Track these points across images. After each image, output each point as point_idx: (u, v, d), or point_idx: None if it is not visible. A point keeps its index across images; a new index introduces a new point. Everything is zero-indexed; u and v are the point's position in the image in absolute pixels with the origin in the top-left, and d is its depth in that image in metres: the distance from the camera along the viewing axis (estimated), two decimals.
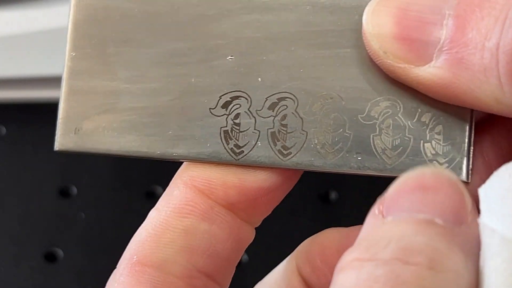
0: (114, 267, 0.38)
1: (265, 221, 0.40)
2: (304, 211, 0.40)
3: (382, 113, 0.23)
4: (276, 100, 0.23)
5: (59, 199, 0.41)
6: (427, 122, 0.22)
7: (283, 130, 0.23)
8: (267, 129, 0.23)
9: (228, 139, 0.23)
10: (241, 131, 0.23)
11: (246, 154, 0.23)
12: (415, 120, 0.22)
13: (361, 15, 0.22)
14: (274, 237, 0.39)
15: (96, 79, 0.24)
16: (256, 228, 0.40)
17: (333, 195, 0.41)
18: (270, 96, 0.23)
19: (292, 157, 0.23)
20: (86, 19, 0.24)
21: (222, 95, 0.23)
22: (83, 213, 0.41)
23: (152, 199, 0.41)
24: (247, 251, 0.39)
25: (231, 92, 0.23)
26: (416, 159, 0.22)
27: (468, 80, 0.20)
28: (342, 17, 0.23)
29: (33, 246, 0.39)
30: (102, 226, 0.40)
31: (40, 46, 0.46)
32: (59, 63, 0.46)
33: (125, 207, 0.41)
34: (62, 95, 0.24)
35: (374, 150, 0.23)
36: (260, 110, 0.23)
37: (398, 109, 0.22)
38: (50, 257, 0.39)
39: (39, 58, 0.46)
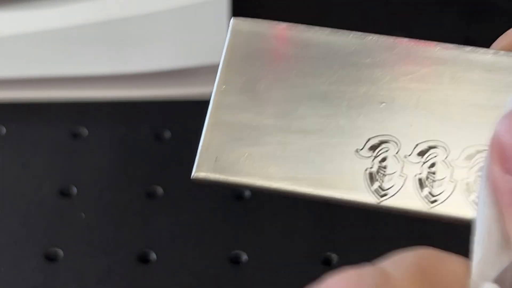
0: (115, 267, 0.38)
1: (265, 221, 0.40)
2: (304, 211, 0.41)
3: None
4: (427, 147, 0.23)
5: (59, 199, 0.42)
6: None
7: (431, 177, 0.22)
8: (415, 174, 0.23)
9: (373, 181, 0.23)
10: (387, 174, 0.23)
11: (390, 197, 0.23)
12: None
13: None
14: (274, 237, 0.40)
15: (243, 113, 0.24)
16: (256, 228, 0.40)
17: None
18: (420, 143, 0.23)
19: (437, 205, 0.22)
20: (239, 56, 0.24)
21: (371, 138, 0.23)
22: (83, 213, 0.41)
23: (152, 199, 0.42)
24: (247, 251, 0.39)
25: (380, 135, 0.23)
26: None
27: None
28: (497, 76, 0.23)
29: (33, 246, 0.39)
30: (102, 226, 0.40)
31: (40, 46, 0.46)
32: (59, 63, 0.47)
33: (125, 207, 0.41)
34: (205, 125, 0.24)
35: None
36: (408, 155, 0.23)
37: None
38: (50, 257, 0.39)
39: (39, 58, 0.46)
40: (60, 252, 0.39)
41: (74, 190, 0.42)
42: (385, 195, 0.23)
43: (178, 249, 0.39)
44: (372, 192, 0.23)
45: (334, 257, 0.38)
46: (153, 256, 0.39)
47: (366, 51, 0.24)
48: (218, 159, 0.24)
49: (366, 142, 0.23)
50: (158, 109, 0.46)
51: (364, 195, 0.23)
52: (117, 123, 0.45)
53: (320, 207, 0.41)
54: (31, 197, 0.42)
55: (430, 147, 0.23)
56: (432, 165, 0.23)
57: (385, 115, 0.23)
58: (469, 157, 0.22)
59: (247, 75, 0.24)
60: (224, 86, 0.24)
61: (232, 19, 0.25)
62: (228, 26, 0.43)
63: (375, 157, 0.23)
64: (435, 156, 0.23)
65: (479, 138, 0.22)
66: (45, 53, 0.46)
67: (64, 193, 0.42)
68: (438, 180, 0.22)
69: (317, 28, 0.24)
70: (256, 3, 0.54)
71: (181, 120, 0.45)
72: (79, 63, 0.46)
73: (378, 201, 0.23)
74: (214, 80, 0.50)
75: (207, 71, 0.46)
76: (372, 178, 0.23)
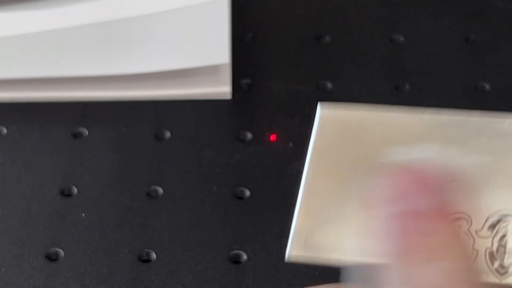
0: (115, 267, 0.38)
1: (264, 221, 0.40)
2: None
3: None
4: (496, 221, 0.23)
5: (60, 199, 0.42)
6: None
7: (501, 249, 0.23)
8: (486, 248, 0.23)
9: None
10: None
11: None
12: None
13: None
14: (274, 237, 0.40)
15: (328, 196, 0.25)
16: (256, 228, 0.40)
17: None
18: (490, 216, 0.23)
19: (509, 276, 0.23)
20: (327, 144, 0.26)
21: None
22: (84, 213, 0.41)
23: (152, 199, 0.42)
24: (247, 251, 0.39)
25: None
26: None
27: None
28: None
29: (34, 246, 0.39)
30: (102, 226, 0.40)
31: (40, 46, 0.46)
32: (59, 63, 0.47)
33: (125, 207, 0.41)
34: (298, 209, 0.26)
35: None
36: (480, 231, 0.23)
37: None
38: (51, 257, 0.39)
39: (40, 58, 0.46)
40: (61, 252, 0.39)
41: (75, 190, 0.42)
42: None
43: (178, 249, 0.39)
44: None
45: None
46: (153, 256, 0.39)
47: (440, 128, 0.24)
48: (308, 241, 0.25)
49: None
50: (158, 109, 0.46)
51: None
52: (117, 123, 0.45)
53: None
54: (31, 197, 0.42)
55: (501, 217, 0.23)
56: (503, 237, 0.23)
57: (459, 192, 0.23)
58: None
59: (334, 160, 0.26)
60: (312, 172, 0.26)
61: (319, 106, 0.26)
62: (227, 26, 0.43)
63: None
64: (505, 227, 0.23)
65: None
66: (45, 54, 0.46)
67: (65, 193, 0.42)
68: (509, 252, 0.23)
69: (394, 109, 0.25)
70: (256, 3, 0.54)
71: (181, 120, 0.45)
72: (79, 64, 0.46)
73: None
74: (214, 80, 0.50)
75: (207, 71, 0.46)
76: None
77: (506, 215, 0.23)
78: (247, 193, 0.42)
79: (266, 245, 0.39)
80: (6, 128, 0.45)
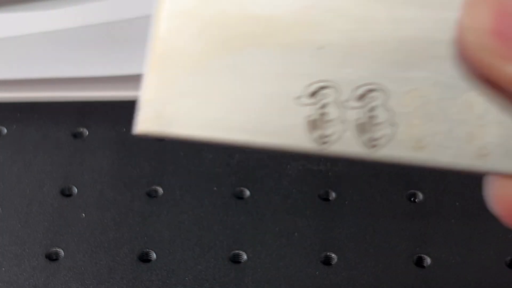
0: (115, 267, 0.38)
1: (265, 221, 0.41)
2: (304, 211, 0.41)
3: (475, 108, 0.22)
4: (366, 91, 0.22)
5: (60, 199, 0.42)
6: None
7: (371, 121, 0.22)
8: (355, 119, 0.22)
9: (314, 128, 0.22)
10: (328, 121, 0.22)
11: (332, 144, 0.22)
12: (509, 116, 0.22)
13: (454, 11, 0.21)
14: (274, 237, 0.40)
15: (185, 62, 0.23)
16: (256, 228, 0.40)
17: (332, 195, 0.41)
18: (359, 87, 0.22)
19: (379, 149, 0.22)
20: (185, 2, 0.23)
21: (310, 84, 0.22)
22: (84, 213, 0.41)
23: (152, 199, 0.42)
24: (247, 251, 0.39)
25: (320, 81, 0.22)
26: (510, 155, 0.22)
27: None
28: (434, 12, 0.22)
29: (35, 245, 0.39)
30: (103, 226, 0.40)
31: (40, 47, 0.46)
32: (59, 64, 0.47)
33: (125, 207, 0.41)
34: (146, 76, 0.23)
35: (465, 145, 0.22)
36: (348, 101, 0.22)
37: (492, 105, 0.22)
38: (52, 257, 0.39)
39: (40, 59, 0.46)
40: (61, 252, 0.39)
41: (75, 190, 0.42)
42: (326, 142, 0.22)
43: (178, 249, 0.39)
44: (313, 139, 0.22)
45: (334, 257, 0.38)
46: (153, 256, 0.39)
47: None
48: (161, 113, 0.23)
49: (306, 88, 0.22)
50: None
51: (305, 143, 0.22)
52: (117, 123, 0.45)
53: (321, 208, 0.41)
54: (31, 197, 0.42)
55: (370, 91, 0.22)
56: (373, 108, 0.22)
57: (323, 60, 0.22)
58: (410, 98, 0.22)
59: (195, 21, 0.23)
60: (167, 31, 0.23)
61: None
62: None
63: (316, 104, 0.22)
64: (376, 100, 0.22)
65: (420, 79, 0.22)
66: (45, 54, 0.46)
67: (65, 193, 0.42)
68: (378, 124, 0.22)
69: None
70: None
71: None
72: (79, 64, 0.46)
73: (320, 148, 0.22)
74: None
75: None
76: (312, 125, 0.22)
77: (375, 89, 0.22)
78: (247, 193, 0.42)
79: (266, 245, 0.39)
80: (6, 128, 0.45)
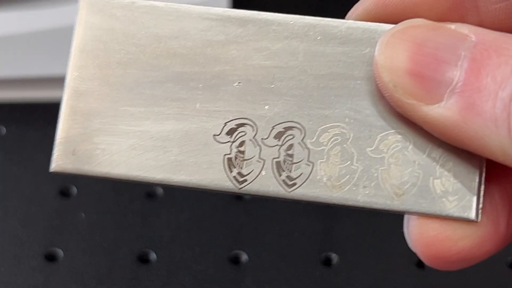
0: (115, 267, 0.38)
1: (265, 221, 0.40)
2: (304, 211, 0.41)
3: (391, 147, 0.22)
4: (283, 129, 0.22)
5: (60, 199, 0.42)
6: (437, 158, 0.22)
7: (288, 160, 0.22)
8: (272, 158, 0.22)
9: (232, 167, 0.22)
10: (245, 159, 0.22)
11: (249, 183, 0.22)
12: (425, 156, 0.22)
13: (373, 48, 0.22)
14: (274, 237, 0.40)
15: (98, 100, 0.23)
16: (256, 228, 0.40)
17: None
18: (276, 125, 0.22)
19: (296, 188, 0.22)
20: (90, 39, 0.23)
21: (228, 121, 0.23)
22: (83, 213, 0.41)
23: (152, 199, 0.42)
24: (247, 251, 0.39)
25: (237, 119, 0.23)
26: (425, 195, 0.22)
27: (477, 126, 0.20)
28: (352, 48, 0.22)
29: (34, 246, 0.39)
30: (102, 226, 0.40)
31: (40, 46, 0.46)
32: (59, 63, 0.46)
33: (125, 207, 0.41)
34: (61, 115, 0.23)
35: (381, 184, 0.22)
36: (265, 139, 0.22)
37: (408, 144, 0.22)
38: (51, 257, 0.39)
39: (39, 58, 0.46)
40: (60, 252, 0.39)
41: (74, 190, 0.42)
42: (244, 181, 0.22)
43: (178, 249, 0.39)
44: (231, 178, 0.22)
45: (334, 257, 0.38)
46: (153, 256, 0.39)
47: (219, 28, 0.23)
48: (76, 151, 0.23)
49: (223, 126, 0.23)
50: None
51: (224, 182, 0.22)
52: None
53: (320, 207, 0.41)
54: (31, 197, 0.42)
55: (286, 129, 0.22)
56: (290, 147, 0.22)
57: (241, 96, 0.22)
58: (325, 138, 0.22)
59: (99, 59, 0.23)
60: (76, 73, 0.24)
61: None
62: None
63: (233, 142, 0.22)
64: (292, 138, 0.22)
65: (337, 118, 0.22)
66: (45, 53, 0.46)
67: (64, 193, 0.42)
68: (296, 163, 0.22)
69: (166, 3, 0.23)
70: (256, 3, 0.54)
71: None
72: None
73: (238, 187, 0.22)
74: None
75: None
76: (230, 164, 0.22)
77: (292, 127, 0.22)
78: None
79: (266, 245, 0.39)
80: (6, 128, 0.45)
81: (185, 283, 0.38)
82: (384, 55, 0.21)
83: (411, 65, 0.21)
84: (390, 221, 0.40)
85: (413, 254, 0.34)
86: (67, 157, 0.23)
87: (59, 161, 0.23)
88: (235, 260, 0.39)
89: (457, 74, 0.20)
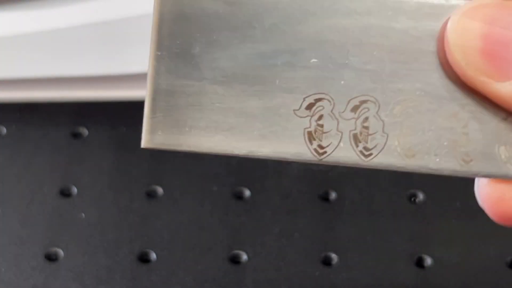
0: (115, 267, 0.38)
1: (265, 221, 0.40)
2: (304, 211, 0.40)
3: (460, 118, 0.23)
4: (358, 103, 0.24)
5: (60, 199, 0.42)
6: (502, 127, 0.23)
7: (364, 131, 0.24)
8: (349, 130, 0.24)
9: (312, 140, 0.24)
10: (324, 132, 0.24)
11: (329, 154, 0.24)
12: (491, 125, 0.23)
13: (441, 22, 0.23)
14: (274, 237, 0.40)
15: (182, 78, 0.24)
16: (256, 228, 0.40)
17: (332, 195, 0.41)
18: (352, 99, 0.24)
19: (373, 158, 0.24)
20: (171, 17, 0.24)
21: (306, 97, 0.24)
22: (84, 213, 0.41)
23: (152, 199, 0.42)
24: (247, 251, 0.39)
25: (315, 94, 0.24)
26: (491, 161, 0.23)
27: None
28: (422, 23, 0.23)
29: (34, 245, 0.39)
30: (102, 226, 0.40)
31: (40, 46, 0.46)
32: (59, 63, 0.47)
33: (125, 207, 0.41)
34: (148, 94, 0.24)
35: (451, 152, 0.23)
36: (342, 112, 0.24)
37: (475, 115, 0.23)
38: (51, 257, 0.39)
39: (40, 58, 0.46)
40: (60, 252, 0.39)
41: (74, 190, 0.42)
42: (324, 152, 0.24)
43: (178, 249, 0.39)
44: (312, 150, 0.24)
45: (334, 257, 0.38)
46: (153, 256, 0.39)
47: (295, 6, 0.24)
48: (164, 128, 0.24)
49: (302, 101, 0.24)
50: None
51: (305, 154, 0.24)
52: (117, 123, 0.45)
53: (321, 208, 0.41)
54: (31, 197, 0.42)
55: (362, 102, 0.24)
56: (365, 119, 0.24)
57: (317, 72, 0.24)
58: (399, 110, 0.23)
59: (180, 39, 0.24)
60: (159, 52, 0.24)
61: None
62: None
63: (312, 116, 0.24)
64: (368, 111, 0.24)
65: (409, 91, 0.23)
66: (45, 53, 0.46)
67: (64, 193, 0.42)
68: (372, 134, 0.24)
69: None
70: None
71: None
72: (79, 63, 0.46)
73: (319, 158, 0.24)
74: None
75: None
76: (310, 137, 0.24)
77: (367, 100, 0.24)
78: (247, 193, 0.42)
79: (266, 245, 0.39)
80: (6, 128, 0.45)
81: (185, 283, 0.38)
82: (456, 33, 0.22)
83: (482, 44, 0.21)
84: (390, 221, 0.40)
85: (413, 254, 0.34)
86: (157, 134, 0.24)
87: (149, 138, 0.24)
88: (235, 260, 0.39)
89: None
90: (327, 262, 0.38)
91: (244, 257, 0.39)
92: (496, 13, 0.22)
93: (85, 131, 0.45)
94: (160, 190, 0.42)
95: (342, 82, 0.24)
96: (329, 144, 0.24)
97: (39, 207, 0.41)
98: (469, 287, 0.36)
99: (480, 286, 0.37)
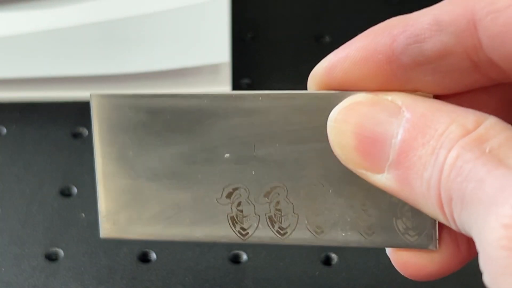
0: (115, 267, 0.38)
1: None
2: None
3: (360, 197, 0.26)
4: (270, 189, 0.27)
5: (60, 199, 0.42)
6: (396, 202, 0.26)
7: (278, 213, 0.27)
8: (265, 213, 0.27)
9: (235, 223, 0.27)
10: (244, 216, 0.27)
11: (251, 235, 0.27)
12: (387, 202, 0.26)
13: (329, 110, 0.26)
14: None
15: (122, 179, 0.28)
16: None
17: None
18: (263, 186, 0.27)
19: (288, 235, 0.27)
20: (107, 129, 0.28)
21: (225, 187, 0.27)
22: (84, 213, 0.41)
23: None
24: (247, 251, 0.39)
25: (231, 184, 0.27)
26: (390, 233, 0.27)
27: (412, 197, 0.24)
28: (314, 116, 0.26)
29: (34, 245, 0.39)
30: None
31: (40, 46, 0.46)
32: (59, 63, 0.47)
33: None
34: (99, 194, 0.29)
35: (355, 227, 0.27)
36: (258, 198, 0.27)
37: (371, 194, 0.26)
38: (51, 257, 0.39)
39: (39, 58, 0.46)
40: (61, 252, 0.39)
41: (74, 190, 0.42)
42: (247, 233, 0.27)
43: (178, 249, 0.39)
44: (237, 232, 0.27)
45: (334, 257, 0.38)
46: (153, 256, 0.39)
47: (204, 110, 0.27)
48: (115, 221, 0.29)
49: (222, 191, 0.27)
50: None
51: (231, 236, 0.28)
52: None
53: None
54: (31, 197, 0.42)
55: (272, 188, 0.27)
56: (277, 203, 0.27)
57: (231, 166, 0.27)
58: (306, 194, 0.27)
59: (117, 145, 0.28)
60: (101, 159, 0.28)
61: (90, 95, 0.29)
62: (227, 26, 0.44)
63: (232, 203, 0.27)
64: (278, 195, 0.27)
65: (313, 176, 0.27)
66: (45, 53, 0.46)
67: (65, 193, 0.42)
68: (284, 215, 0.27)
69: (163, 94, 0.28)
70: (256, 3, 0.54)
71: None
72: (79, 63, 0.46)
73: (243, 239, 0.28)
74: (214, 80, 0.50)
75: (207, 71, 0.46)
76: (233, 221, 0.27)
77: (276, 186, 0.27)
78: None
79: (266, 245, 0.39)
80: (6, 128, 0.45)
81: (185, 283, 0.38)
82: (333, 133, 0.25)
83: (356, 142, 0.25)
84: None
85: None
86: (110, 227, 0.29)
87: (105, 231, 0.29)
88: (235, 260, 0.39)
89: (391, 152, 0.24)
90: (327, 262, 0.38)
91: (244, 257, 0.39)
92: (368, 111, 0.24)
93: (85, 131, 0.45)
94: None
95: (253, 172, 0.27)
96: (250, 226, 0.27)
97: (39, 207, 0.41)
98: (469, 286, 0.36)
99: (479, 286, 0.37)
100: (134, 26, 0.46)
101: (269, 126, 0.27)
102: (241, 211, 0.27)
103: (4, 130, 0.45)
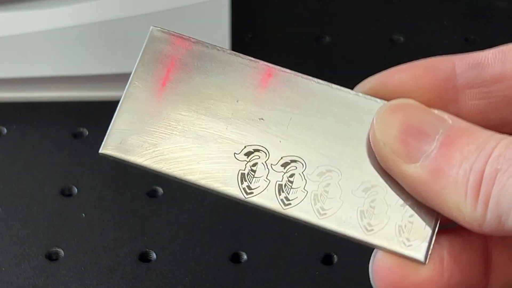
0: (115, 266, 0.38)
1: (265, 221, 0.40)
2: None
3: (370, 193, 0.27)
4: (289, 161, 0.28)
5: (60, 199, 0.42)
6: (403, 208, 0.27)
7: (289, 185, 0.27)
8: (276, 181, 0.27)
9: (243, 180, 0.28)
10: (255, 177, 0.27)
11: (254, 195, 0.27)
12: (394, 205, 0.27)
13: (371, 115, 0.27)
14: (274, 237, 0.40)
15: (146, 106, 0.28)
16: (256, 228, 0.40)
17: None
18: (285, 156, 0.28)
19: (291, 207, 0.27)
20: (152, 58, 0.29)
21: (247, 145, 0.28)
22: (84, 213, 0.41)
23: (152, 199, 0.42)
24: (247, 251, 0.39)
25: (254, 145, 0.28)
26: (389, 235, 0.27)
27: (441, 185, 0.25)
28: (355, 113, 0.28)
29: (35, 245, 0.39)
30: (102, 226, 0.40)
31: (40, 46, 0.46)
32: (59, 63, 0.47)
33: (125, 207, 0.41)
34: (118, 110, 0.29)
35: (357, 219, 0.27)
36: (274, 165, 0.28)
37: (384, 194, 0.27)
38: (52, 257, 0.39)
39: (40, 58, 0.46)
40: (61, 252, 0.39)
41: (75, 190, 0.42)
42: (251, 193, 0.27)
43: (178, 249, 0.39)
44: (241, 189, 0.27)
45: (334, 257, 0.38)
46: (153, 256, 0.39)
47: (255, 73, 0.29)
48: (124, 141, 0.28)
49: (243, 148, 0.28)
50: None
51: (234, 190, 0.28)
52: None
53: None
54: (32, 197, 0.42)
55: (292, 161, 0.28)
56: (292, 175, 0.27)
57: (262, 129, 0.28)
58: (320, 174, 0.27)
59: (157, 76, 0.29)
60: (136, 82, 0.29)
61: (151, 27, 0.29)
62: (227, 26, 0.44)
63: (248, 161, 0.28)
64: (295, 169, 0.28)
65: (332, 161, 0.28)
66: (45, 53, 0.46)
67: (65, 193, 0.42)
68: (294, 188, 0.27)
69: (219, 47, 0.29)
70: (256, 3, 0.54)
71: None
72: (79, 63, 0.46)
73: (245, 197, 0.27)
74: None
75: None
76: (243, 178, 0.28)
77: (296, 161, 0.28)
78: None
79: (266, 245, 0.39)
80: (6, 128, 0.45)
81: (185, 283, 0.38)
82: (380, 120, 0.27)
83: (400, 132, 0.26)
84: None
85: None
86: (115, 145, 0.28)
87: (108, 147, 0.28)
88: (235, 260, 0.39)
89: (433, 144, 0.26)
90: (327, 261, 0.38)
91: (244, 257, 0.39)
92: (414, 111, 0.27)
93: (85, 131, 0.45)
94: (160, 190, 0.42)
95: (280, 141, 0.28)
96: (257, 187, 0.27)
97: (40, 207, 0.41)
98: None
99: None
100: (134, 26, 0.46)
101: (311, 108, 0.28)
102: (254, 171, 0.28)
103: (4, 130, 0.45)
